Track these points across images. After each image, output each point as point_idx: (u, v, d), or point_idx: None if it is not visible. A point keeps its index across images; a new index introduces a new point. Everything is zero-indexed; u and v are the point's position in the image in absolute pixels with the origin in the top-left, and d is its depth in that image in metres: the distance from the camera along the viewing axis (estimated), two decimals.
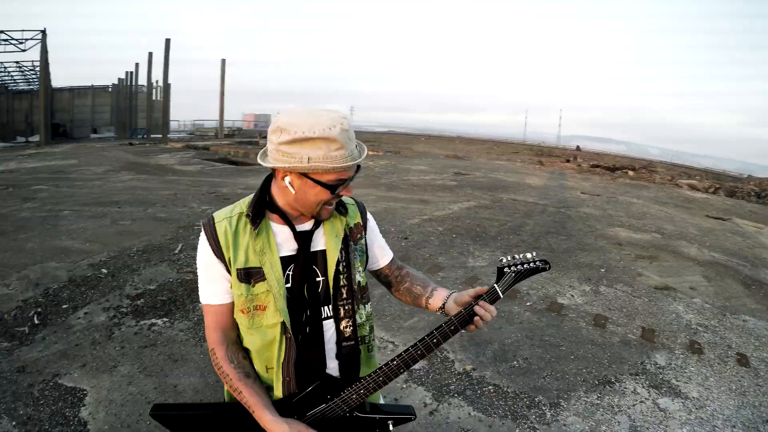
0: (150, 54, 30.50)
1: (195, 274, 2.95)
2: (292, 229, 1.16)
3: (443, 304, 1.24)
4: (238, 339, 1.18)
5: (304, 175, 1.05)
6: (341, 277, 1.21)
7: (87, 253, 4.87)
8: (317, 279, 1.19)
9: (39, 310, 3.57)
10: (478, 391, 2.80)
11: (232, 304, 1.16)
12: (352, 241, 1.24)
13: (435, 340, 1.13)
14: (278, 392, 1.15)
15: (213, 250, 1.13)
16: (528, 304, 4.12)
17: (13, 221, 6.13)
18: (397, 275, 1.37)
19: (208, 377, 2.79)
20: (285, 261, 1.15)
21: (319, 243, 1.19)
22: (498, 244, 5.92)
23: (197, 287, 1.18)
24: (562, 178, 13.97)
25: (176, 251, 5.03)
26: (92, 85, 35.54)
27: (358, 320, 1.25)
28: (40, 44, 23.64)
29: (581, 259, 5.48)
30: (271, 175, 1.16)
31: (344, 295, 1.21)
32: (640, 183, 13.69)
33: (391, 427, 1.23)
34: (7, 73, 33.68)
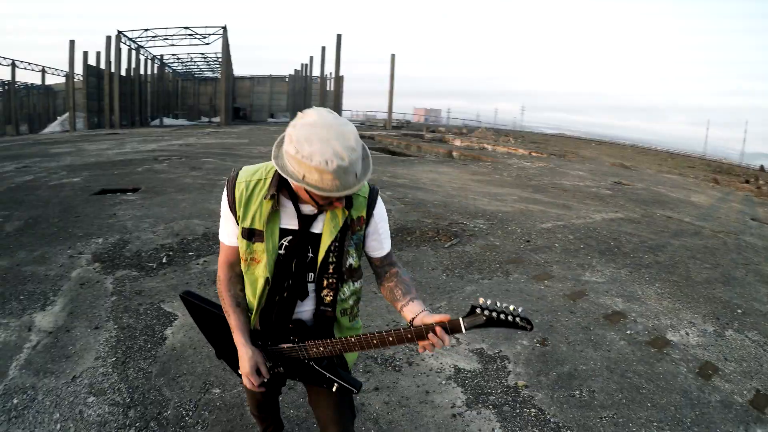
0: (323, 48, 34.07)
1: None
2: (297, 210, 1.31)
3: (413, 318, 1.29)
4: (241, 273, 1.42)
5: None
6: (331, 255, 1.33)
7: None
8: (308, 254, 1.34)
9: (170, 253, 4.48)
10: (517, 411, 2.56)
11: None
12: (351, 231, 1.35)
13: (390, 339, 1.22)
14: (254, 323, 1.44)
15: (229, 203, 1.35)
16: (628, 332, 3.55)
17: (177, 185, 7.64)
18: (386, 271, 1.44)
19: None
20: (284, 231, 1.32)
21: (318, 226, 1.33)
22: (627, 261, 5.18)
23: None
24: (734, 199, 11.38)
25: None
26: (270, 75, 41.38)
27: (341, 296, 1.39)
28: (221, 39, 28.35)
29: (718, 294, 4.45)
30: None
31: (330, 271, 1.34)
32: None
33: (333, 389, 1.38)
34: (193, 63, 41.27)
